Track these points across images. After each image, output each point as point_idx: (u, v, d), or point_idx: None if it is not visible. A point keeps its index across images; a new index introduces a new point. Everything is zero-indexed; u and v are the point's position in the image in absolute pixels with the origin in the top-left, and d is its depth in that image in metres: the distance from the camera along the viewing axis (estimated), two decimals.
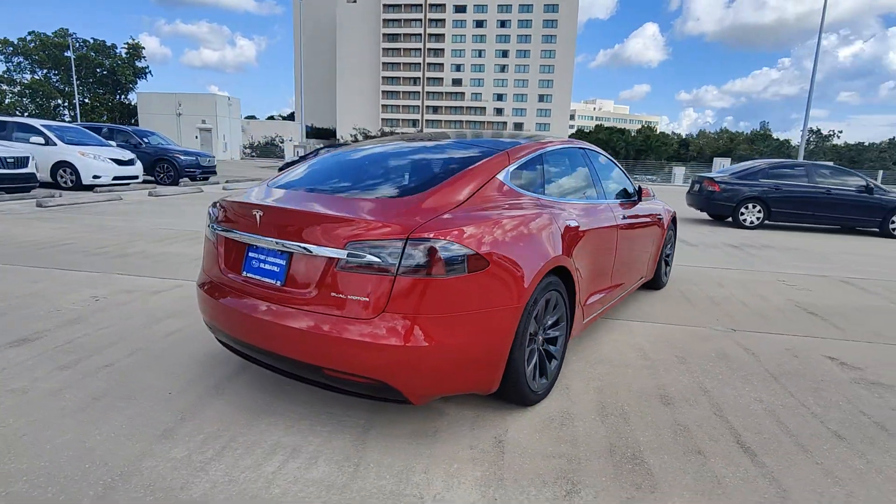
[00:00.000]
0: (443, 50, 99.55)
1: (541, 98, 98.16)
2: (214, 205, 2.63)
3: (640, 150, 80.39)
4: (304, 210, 2.25)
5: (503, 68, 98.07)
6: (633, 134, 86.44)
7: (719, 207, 10.39)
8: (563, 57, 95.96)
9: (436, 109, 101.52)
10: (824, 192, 9.86)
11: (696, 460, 2.15)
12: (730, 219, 10.36)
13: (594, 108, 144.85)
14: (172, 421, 2.28)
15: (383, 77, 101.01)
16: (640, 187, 4.15)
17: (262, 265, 2.29)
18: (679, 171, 32.73)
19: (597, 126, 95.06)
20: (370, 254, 1.99)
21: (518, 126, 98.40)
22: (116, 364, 2.81)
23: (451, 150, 3.02)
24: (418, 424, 2.33)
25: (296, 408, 2.44)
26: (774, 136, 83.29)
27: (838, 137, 79.82)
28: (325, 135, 74.72)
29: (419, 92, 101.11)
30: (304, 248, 2.11)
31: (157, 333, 3.27)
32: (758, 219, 10.05)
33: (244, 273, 2.34)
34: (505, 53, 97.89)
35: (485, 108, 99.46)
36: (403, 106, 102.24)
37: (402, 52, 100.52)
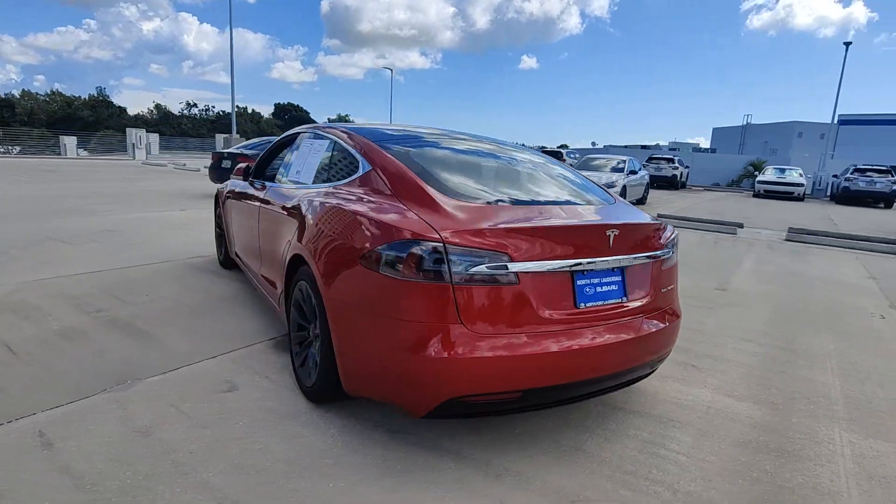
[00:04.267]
0: None
1: None
2: (478, 239, 1.94)
3: None
4: (641, 222, 2.43)
5: None
6: None
7: None
8: None
9: None
10: None
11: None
12: None
13: None
14: None
15: None
16: None
17: (599, 289, 2.18)
18: (69, 140, 28.38)
19: None
20: (668, 248, 2.47)
21: None
22: None
23: (524, 151, 3.33)
24: (620, 401, 2.79)
25: (526, 454, 2.21)
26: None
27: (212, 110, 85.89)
28: None
29: None
30: (648, 256, 2.32)
31: None
32: None
33: (580, 305, 2.12)
34: None
35: None
36: None
37: None
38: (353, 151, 2.70)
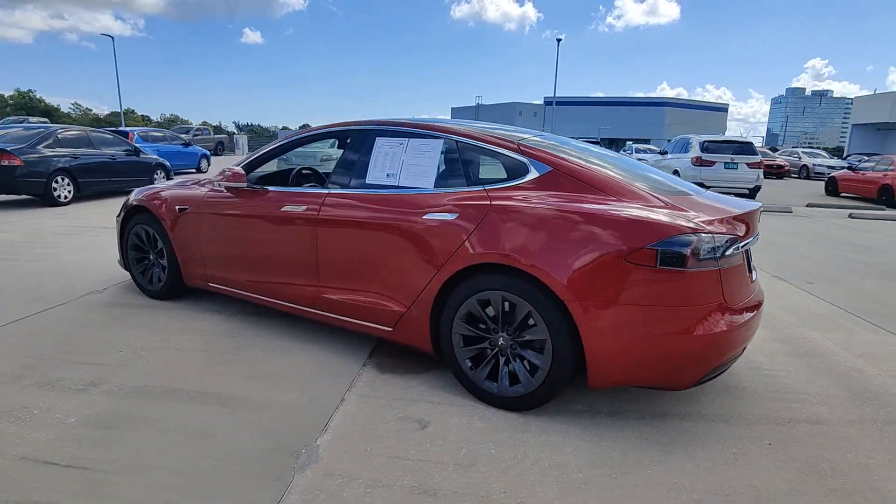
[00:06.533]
0: None
1: None
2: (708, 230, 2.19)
3: None
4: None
5: None
6: None
7: (26, 185, 8.66)
8: None
9: None
10: (112, 158, 10.27)
11: None
12: (31, 197, 8.93)
13: None
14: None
15: None
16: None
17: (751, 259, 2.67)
18: None
19: None
20: None
21: None
22: None
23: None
24: None
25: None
26: None
27: None
28: None
29: None
30: None
31: None
32: (70, 192, 9.27)
33: (752, 272, 2.62)
34: None
35: None
36: None
37: None
38: (509, 154, 2.61)
